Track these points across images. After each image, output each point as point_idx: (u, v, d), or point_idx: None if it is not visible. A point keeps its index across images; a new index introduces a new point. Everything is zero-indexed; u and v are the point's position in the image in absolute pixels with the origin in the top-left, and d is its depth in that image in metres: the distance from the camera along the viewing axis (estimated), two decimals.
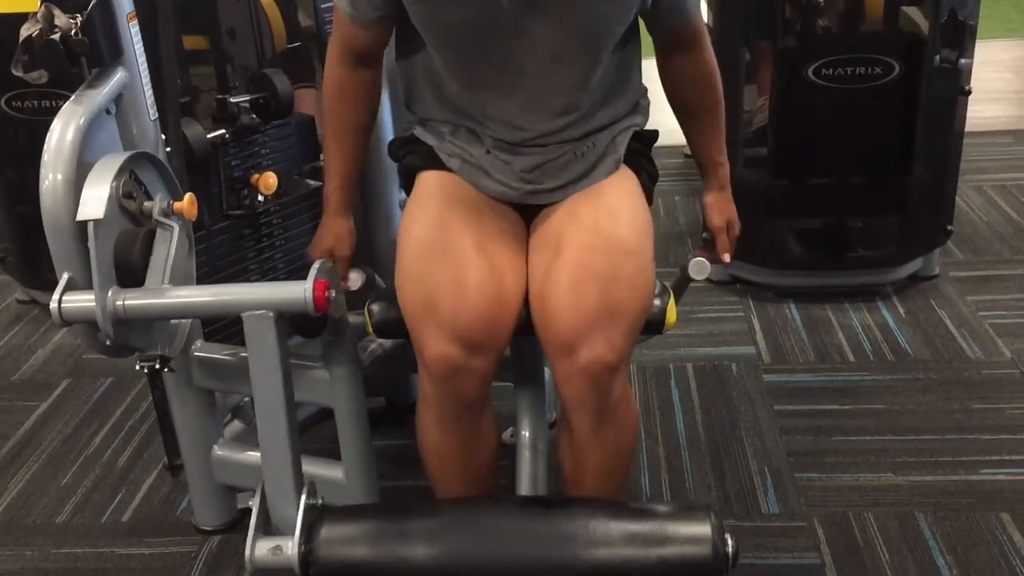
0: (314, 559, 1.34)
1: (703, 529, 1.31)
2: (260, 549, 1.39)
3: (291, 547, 1.36)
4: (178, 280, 1.42)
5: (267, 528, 1.45)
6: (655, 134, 1.63)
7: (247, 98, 1.81)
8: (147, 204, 1.42)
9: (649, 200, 1.60)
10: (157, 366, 1.44)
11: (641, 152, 1.60)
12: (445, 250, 1.41)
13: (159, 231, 1.42)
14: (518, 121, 1.50)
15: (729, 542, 1.31)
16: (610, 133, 1.55)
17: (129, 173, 1.41)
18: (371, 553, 1.34)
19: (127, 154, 1.41)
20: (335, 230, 1.64)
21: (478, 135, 1.53)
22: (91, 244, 1.32)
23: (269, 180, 1.82)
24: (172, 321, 1.52)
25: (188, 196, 1.45)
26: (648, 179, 1.62)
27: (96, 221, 1.32)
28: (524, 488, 1.63)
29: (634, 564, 1.30)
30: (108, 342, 1.38)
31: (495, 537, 1.37)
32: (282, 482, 1.45)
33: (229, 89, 1.90)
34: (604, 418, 1.43)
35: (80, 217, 1.33)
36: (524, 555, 1.34)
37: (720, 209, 1.69)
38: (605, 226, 1.45)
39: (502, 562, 1.34)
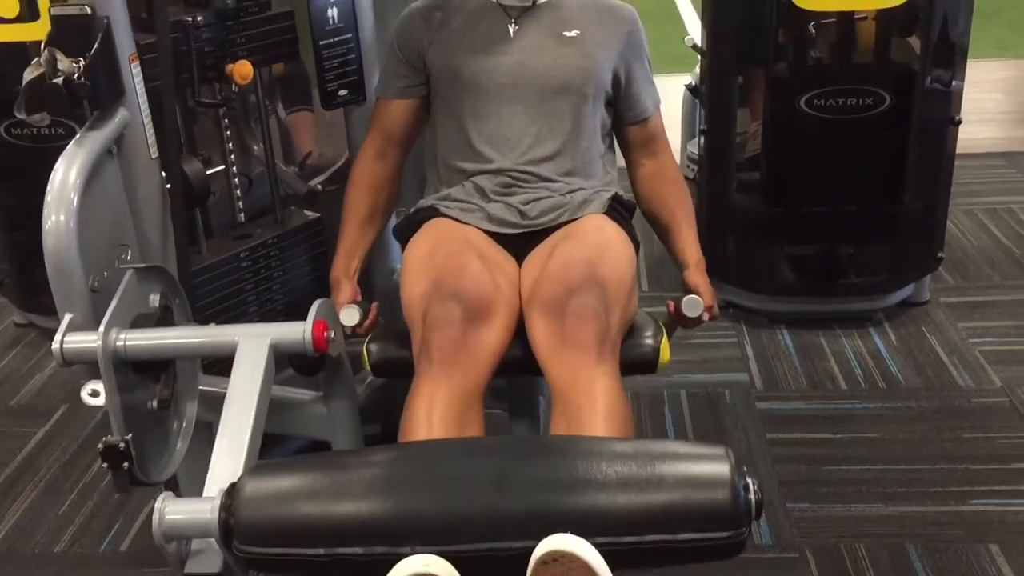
0: (237, 521, 1.08)
1: (720, 469, 1.05)
2: (173, 509, 1.13)
3: (211, 507, 1.10)
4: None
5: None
6: (634, 204, 1.79)
7: None
8: None
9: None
10: (120, 447, 1.30)
11: (623, 217, 1.72)
12: (447, 254, 1.58)
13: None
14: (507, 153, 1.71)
15: (751, 485, 1.05)
16: (591, 190, 1.73)
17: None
18: (308, 510, 1.08)
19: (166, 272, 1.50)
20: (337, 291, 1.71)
21: (480, 187, 1.69)
22: (120, 289, 1.38)
23: (244, 69, 1.75)
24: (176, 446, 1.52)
25: None
26: (632, 240, 1.70)
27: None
28: None
29: (634, 506, 1.05)
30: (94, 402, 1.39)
31: (462, 478, 1.11)
32: (227, 473, 1.25)
33: None
34: (597, 369, 1.43)
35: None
36: (495, 498, 1.07)
37: (709, 291, 1.72)
38: (592, 236, 1.62)
39: (470, 506, 1.07)
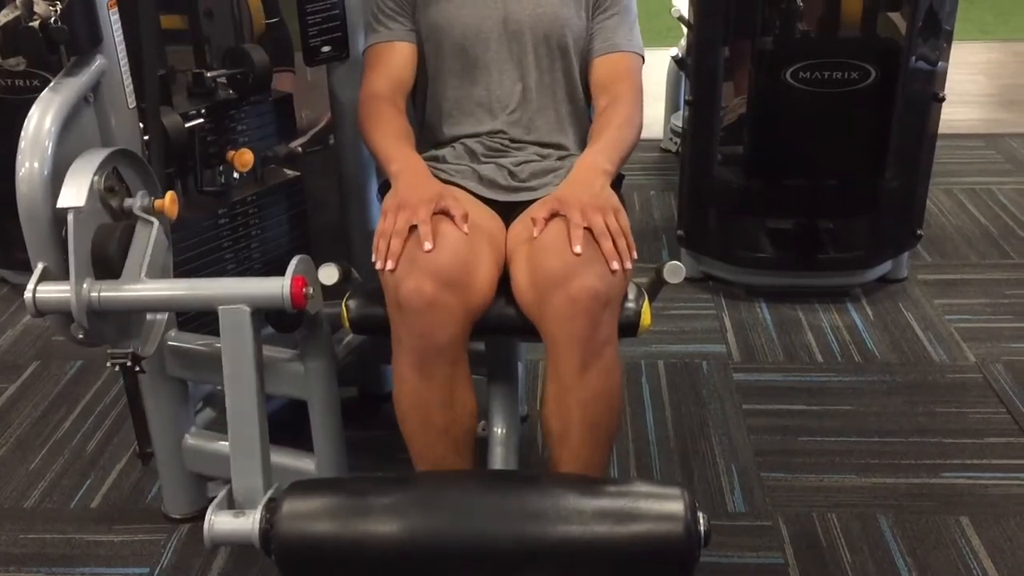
0: (275, 533, 1.30)
1: (676, 507, 1.28)
2: (220, 521, 1.36)
3: (252, 520, 1.33)
4: (155, 276, 1.42)
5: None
6: (622, 174, 1.71)
7: (224, 73, 1.78)
8: (128, 200, 1.42)
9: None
10: (128, 363, 1.43)
11: (614, 185, 1.67)
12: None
13: (138, 227, 1.42)
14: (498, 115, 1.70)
15: (701, 521, 1.28)
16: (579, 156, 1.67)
17: (112, 168, 1.40)
18: (334, 528, 1.30)
19: (110, 149, 1.40)
20: (431, 184, 1.57)
21: (471, 149, 1.69)
22: (69, 234, 1.32)
23: (245, 157, 1.79)
24: (148, 317, 1.51)
25: (169, 195, 1.45)
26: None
27: (76, 211, 1.32)
28: None
29: (605, 541, 1.26)
30: (81, 335, 1.37)
31: (461, 512, 1.32)
32: (250, 473, 1.43)
33: (206, 64, 1.87)
34: (592, 356, 1.43)
35: (60, 204, 1.33)
36: (491, 531, 1.30)
37: (556, 196, 1.54)
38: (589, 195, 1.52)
39: (468, 537, 1.29)
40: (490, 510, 1.32)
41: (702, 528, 1.28)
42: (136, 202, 1.43)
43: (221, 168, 1.81)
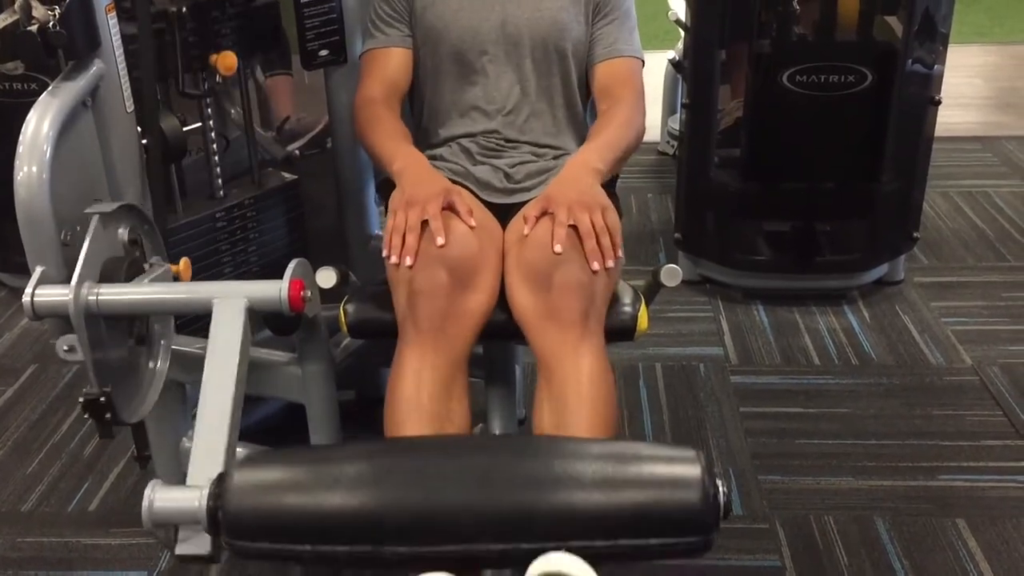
0: (225, 509, 1.07)
1: (692, 471, 1.06)
2: (161, 497, 1.12)
3: (200, 496, 1.09)
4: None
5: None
6: (615, 176, 1.70)
7: None
8: (146, 265, 1.46)
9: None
10: (101, 400, 1.32)
11: (608, 184, 1.66)
12: (432, 216, 1.49)
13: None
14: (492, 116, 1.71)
15: (720, 488, 1.06)
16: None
17: (140, 233, 1.44)
18: (292, 502, 1.08)
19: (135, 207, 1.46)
20: (436, 179, 1.57)
21: (467, 148, 1.69)
22: (88, 236, 1.33)
23: (228, 60, 1.73)
24: (149, 383, 1.50)
25: (184, 261, 1.46)
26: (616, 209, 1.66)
27: (103, 216, 1.35)
28: None
29: (608, 511, 1.05)
30: (66, 348, 1.37)
31: (444, 479, 1.10)
32: (211, 464, 1.24)
33: None
34: (580, 354, 1.41)
35: (89, 209, 1.36)
36: (475, 501, 1.08)
37: (546, 194, 1.53)
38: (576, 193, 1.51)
39: (451, 508, 1.07)
40: (474, 476, 1.11)
41: (721, 496, 1.06)
42: (154, 269, 1.46)
43: (204, 73, 1.75)
